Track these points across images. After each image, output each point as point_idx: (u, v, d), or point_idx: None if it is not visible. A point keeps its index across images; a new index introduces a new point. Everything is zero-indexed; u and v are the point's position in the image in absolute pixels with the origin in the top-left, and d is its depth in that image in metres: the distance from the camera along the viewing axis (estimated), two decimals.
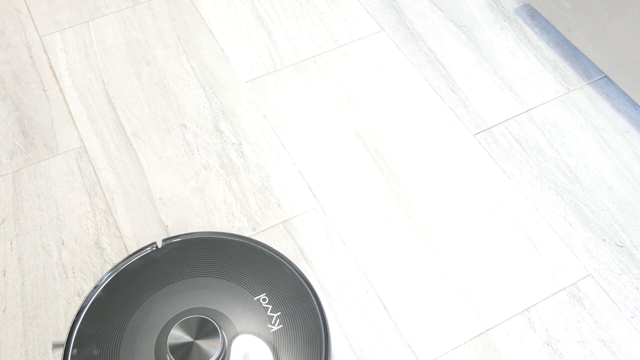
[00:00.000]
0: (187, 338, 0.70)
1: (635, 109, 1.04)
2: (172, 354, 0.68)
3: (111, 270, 0.79)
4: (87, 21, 1.16)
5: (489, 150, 0.99)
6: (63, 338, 0.79)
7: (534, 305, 0.84)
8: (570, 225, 0.91)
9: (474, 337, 0.82)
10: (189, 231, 0.90)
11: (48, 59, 1.11)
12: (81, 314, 0.75)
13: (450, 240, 0.90)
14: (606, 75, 1.07)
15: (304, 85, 1.07)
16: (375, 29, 1.15)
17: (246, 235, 0.90)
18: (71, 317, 0.84)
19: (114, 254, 0.89)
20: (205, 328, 0.70)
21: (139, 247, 0.89)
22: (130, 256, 0.80)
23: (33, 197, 0.94)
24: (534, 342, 0.81)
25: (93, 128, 1.02)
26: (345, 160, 0.98)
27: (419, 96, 1.06)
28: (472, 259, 0.88)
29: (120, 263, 0.79)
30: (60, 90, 1.07)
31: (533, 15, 1.17)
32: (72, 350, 0.73)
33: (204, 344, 0.69)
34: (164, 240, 0.82)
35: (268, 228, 0.91)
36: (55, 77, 1.08)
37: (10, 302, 0.85)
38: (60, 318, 0.84)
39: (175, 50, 1.12)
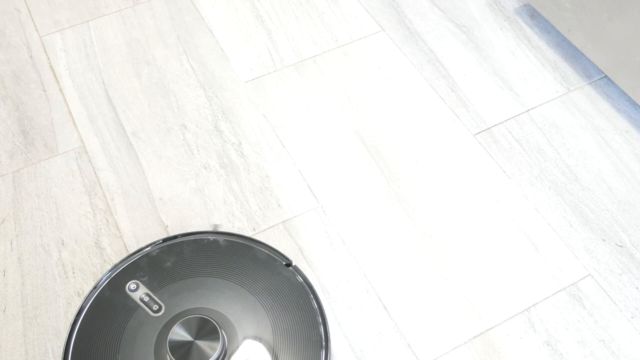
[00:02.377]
0: (187, 337, 0.70)
1: (635, 109, 1.04)
2: (171, 353, 0.68)
3: (111, 270, 0.80)
4: (87, 21, 1.16)
5: (489, 150, 0.99)
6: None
7: (534, 305, 0.84)
8: (570, 225, 0.91)
9: (474, 337, 0.82)
10: (189, 230, 0.90)
11: (48, 59, 1.11)
12: (81, 313, 0.76)
13: (450, 240, 0.90)
14: (606, 75, 1.07)
15: (304, 85, 1.07)
16: (375, 29, 1.15)
17: (247, 234, 0.90)
18: (71, 317, 0.84)
19: (114, 254, 0.89)
20: (205, 328, 0.70)
21: (138, 247, 0.90)
22: (129, 256, 0.81)
23: (33, 197, 0.94)
24: (534, 342, 0.81)
25: (93, 128, 1.02)
26: (345, 160, 0.98)
27: (419, 96, 1.06)
28: (472, 259, 0.88)
29: (119, 263, 0.80)
30: (60, 90, 1.07)
31: (533, 15, 1.17)
32: (72, 350, 0.73)
33: (203, 344, 0.69)
34: (164, 239, 0.82)
35: (268, 228, 0.91)
36: (55, 77, 1.08)
37: (10, 302, 0.85)
38: (60, 318, 0.84)
39: (175, 50, 1.12)
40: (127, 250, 0.89)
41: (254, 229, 0.91)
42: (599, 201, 0.93)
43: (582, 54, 1.10)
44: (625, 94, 1.05)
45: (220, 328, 0.70)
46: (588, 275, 0.87)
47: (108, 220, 0.92)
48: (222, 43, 1.13)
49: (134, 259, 0.79)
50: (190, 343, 0.69)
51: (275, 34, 1.14)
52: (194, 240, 0.80)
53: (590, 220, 0.92)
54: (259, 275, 0.77)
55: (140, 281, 0.77)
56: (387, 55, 1.11)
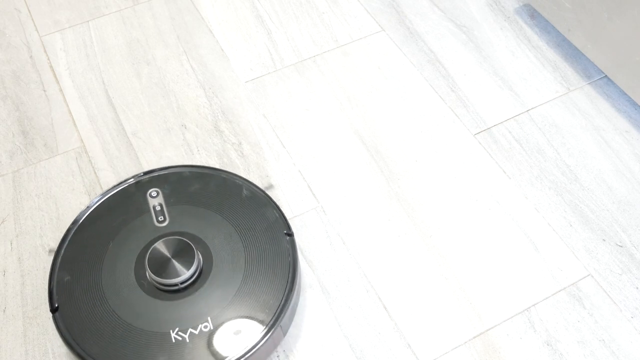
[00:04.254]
0: (166, 255, 0.78)
1: (635, 109, 1.04)
2: (149, 266, 0.77)
3: (101, 195, 0.87)
4: (87, 21, 1.16)
5: (489, 150, 0.99)
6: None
7: (534, 305, 0.84)
8: (570, 225, 0.91)
9: (474, 337, 0.82)
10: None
11: (48, 59, 1.11)
12: (75, 224, 0.84)
13: (450, 240, 0.90)
14: (606, 75, 1.07)
15: (304, 85, 1.07)
16: (375, 29, 1.15)
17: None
18: None
19: None
20: (182, 248, 0.78)
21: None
22: (120, 183, 0.88)
23: (33, 197, 0.94)
24: (534, 342, 0.82)
25: (93, 128, 1.02)
26: (345, 160, 0.98)
27: (419, 96, 1.06)
28: (472, 259, 0.88)
29: (110, 189, 0.87)
30: (60, 90, 1.07)
31: (533, 15, 1.17)
32: (77, 227, 0.83)
33: (179, 261, 0.77)
34: (145, 172, 0.89)
35: None
36: (55, 77, 1.08)
37: (10, 302, 0.85)
38: None
39: (175, 50, 1.12)
40: None
41: None
42: (599, 201, 0.93)
43: (582, 54, 1.10)
44: (625, 94, 1.05)
45: (196, 250, 0.78)
46: (588, 275, 0.87)
47: None
48: (222, 43, 1.13)
49: (124, 185, 0.88)
50: (167, 260, 0.77)
51: (275, 34, 1.14)
52: (222, 178, 0.89)
53: (590, 220, 0.92)
54: (237, 206, 0.85)
55: (162, 192, 0.85)
56: (387, 55, 1.11)
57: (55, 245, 0.86)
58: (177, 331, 0.75)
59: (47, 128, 1.02)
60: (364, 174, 0.97)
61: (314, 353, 0.81)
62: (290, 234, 0.83)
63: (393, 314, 0.84)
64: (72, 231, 0.83)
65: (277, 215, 0.85)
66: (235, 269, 0.79)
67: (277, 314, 0.76)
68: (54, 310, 0.77)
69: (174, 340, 0.74)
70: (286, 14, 1.17)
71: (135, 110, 1.04)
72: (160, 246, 0.78)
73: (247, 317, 0.76)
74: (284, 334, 0.80)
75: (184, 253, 0.78)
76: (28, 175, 0.97)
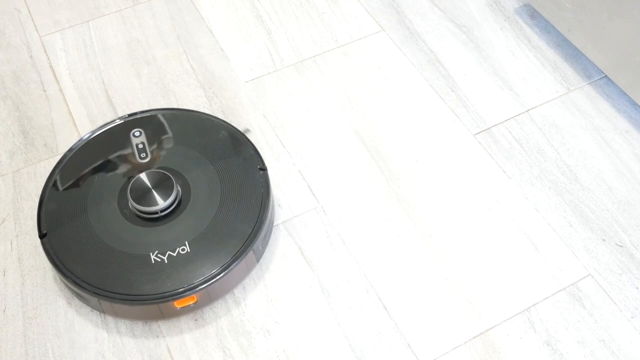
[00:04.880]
0: (147, 185, 0.84)
1: (635, 109, 1.04)
2: (131, 196, 0.83)
3: (90, 132, 0.93)
4: (87, 21, 1.16)
5: (489, 150, 0.99)
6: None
7: (534, 305, 0.84)
8: (570, 225, 0.91)
9: (474, 337, 0.82)
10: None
11: (48, 59, 1.11)
12: (63, 160, 0.90)
13: (450, 240, 0.90)
14: (606, 75, 1.07)
15: (304, 85, 1.07)
16: (375, 29, 1.15)
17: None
18: (71, 318, 0.84)
19: None
20: (162, 180, 0.85)
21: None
22: (106, 124, 0.94)
23: (33, 197, 0.94)
24: (534, 342, 0.82)
25: (93, 128, 1.02)
26: (345, 160, 0.98)
27: (419, 96, 1.06)
28: (472, 259, 0.88)
29: (97, 129, 0.93)
30: (60, 90, 1.07)
31: (533, 15, 1.17)
32: (67, 161, 0.90)
33: (159, 192, 0.84)
34: (129, 114, 0.95)
35: None
36: (55, 77, 1.08)
37: (10, 302, 0.85)
38: (60, 318, 0.84)
39: (175, 50, 1.12)
40: None
41: None
42: (599, 201, 0.93)
43: (582, 54, 1.10)
44: (625, 94, 1.05)
45: (175, 182, 0.85)
46: (588, 275, 0.87)
47: None
48: (222, 43, 1.13)
49: (111, 125, 0.94)
50: (149, 190, 0.84)
51: (275, 34, 1.14)
52: (200, 119, 0.95)
53: (590, 220, 0.92)
54: (217, 144, 0.92)
55: (145, 132, 0.92)
56: (387, 55, 1.11)
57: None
58: (157, 253, 0.81)
59: (47, 128, 1.02)
60: (364, 173, 0.97)
61: (314, 353, 0.81)
62: (263, 169, 0.89)
63: (393, 314, 0.84)
64: (61, 165, 0.89)
65: (251, 152, 0.91)
66: (212, 200, 0.86)
67: (249, 238, 0.82)
68: (42, 236, 0.83)
69: (153, 262, 0.81)
70: (286, 14, 1.17)
71: (135, 110, 1.04)
72: (142, 178, 0.85)
73: (221, 241, 0.82)
74: (257, 260, 0.86)
75: (163, 184, 0.84)
76: (28, 175, 0.97)
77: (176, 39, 1.13)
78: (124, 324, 0.83)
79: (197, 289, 0.79)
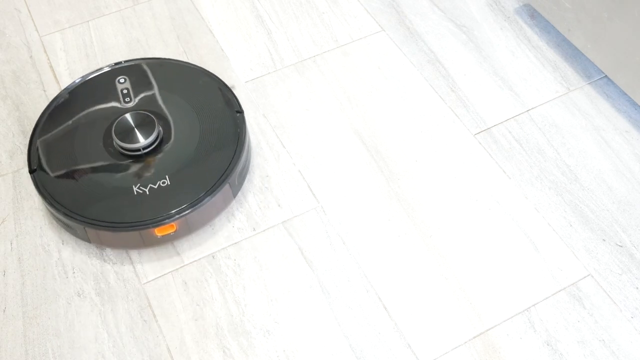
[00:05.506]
0: (131, 125, 0.91)
1: (635, 109, 1.04)
2: (115, 134, 0.90)
3: (80, 77, 1.00)
4: (87, 21, 1.16)
5: (489, 150, 0.99)
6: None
7: (534, 305, 0.84)
8: (570, 225, 0.91)
9: (474, 337, 0.82)
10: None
11: (48, 59, 1.11)
12: (54, 102, 0.97)
13: (450, 240, 0.90)
14: (606, 75, 1.07)
15: (304, 85, 1.07)
16: (375, 29, 1.15)
17: (247, 235, 0.90)
18: (71, 318, 0.84)
19: (114, 254, 0.89)
20: (145, 121, 0.91)
21: (139, 249, 0.90)
22: (93, 72, 1.00)
23: (33, 197, 0.94)
24: (534, 342, 0.82)
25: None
26: (345, 160, 0.98)
27: (419, 96, 1.06)
28: (472, 259, 0.88)
29: (85, 75, 1.00)
30: (60, 90, 1.07)
31: (533, 15, 1.17)
32: (41, 124, 0.94)
33: (142, 131, 0.90)
34: (115, 63, 1.02)
35: (268, 228, 0.91)
36: (55, 77, 1.08)
37: (10, 302, 0.85)
38: (60, 318, 0.84)
39: (175, 50, 1.12)
40: (127, 251, 0.89)
41: (254, 229, 0.91)
42: (599, 201, 0.93)
43: (582, 54, 1.10)
44: (625, 94, 1.05)
45: (157, 122, 0.91)
46: (588, 275, 0.87)
47: None
48: (222, 43, 1.13)
49: (101, 71, 1.01)
50: (132, 129, 0.90)
51: (275, 34, 1.14)
52: (182, 67, 1.02)
53: (590, 220, 0.92)
54: (197, 91, 0.98)
55: (129, 79, 0.99)
56: (387, 55, 1.11)
57: None
58: (139, 186, 0.88)
59: None
60: (364, 173, 0.97)
61: (314, 353, 0.81)
62: (240, 112, 0.96)
63: (393, 314, 0.84)
64: (51, 107, 0.96)
65: (229, 97, 0.97)
66: (191, 138, 0.93)
67: (225, 173, 0.89)
68: (32, 171, 0.89)
69: (135, 193, 0.87)
70: (286, 14, 1.17)
71: None
72: (126, 118, 0.91)
73: (200, 175, 0.89)
74: (234, 195, 0.92)
75: (146, 124, 0.91)
76: (28, 175, 0.97)
77: (176, 39, 1.13)
78: (124, 324, 0.83)
79: (176, 217, 0.85)
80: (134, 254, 0.89)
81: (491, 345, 0.81)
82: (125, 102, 0.96)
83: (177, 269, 0.88)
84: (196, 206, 0.86)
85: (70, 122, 0.94)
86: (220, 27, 1.16)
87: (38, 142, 0.92)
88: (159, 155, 0.91)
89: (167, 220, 0.85)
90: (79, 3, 1.19)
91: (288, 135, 1.01)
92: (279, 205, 0.93)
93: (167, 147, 0.92)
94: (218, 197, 0.88)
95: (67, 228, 0.88)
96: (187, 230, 0.88)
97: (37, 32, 1.15)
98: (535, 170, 0.97)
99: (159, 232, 0.86)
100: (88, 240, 0.88)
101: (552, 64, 1.10)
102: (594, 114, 1.03)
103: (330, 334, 0.82)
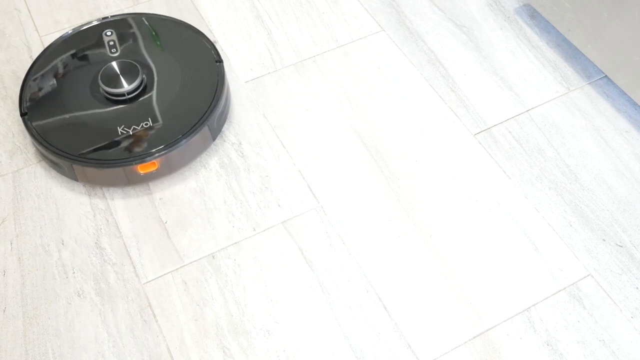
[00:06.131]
0: (115, 72, 0.98)
1: (635, 109, 1.04)
2: (101, 80, 0.97)
3: (102, 18, 1.08)
4: (87, 21, 1.16)
5: (489, 150, 0.99)
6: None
7: (534, 305, 0.84)
8: (570, 225, 0.91)
9: (474, 337, 0.82)
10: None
11: None
12: (45, 52, 1.04)
13: (450, 240, 0.90)
14: (606, 75, 1.07)
15: (304, 85, 1.07)
16: (375, 29, 1.15)
17: (247, 235, 0.90)
18: (71, 318, 0.84)
19: (114, 254, 0.89)
20: (129, 68, 0.98)
21: (139, 249, 0.90)
22: (82, 25, 1.07)
23: (33, 197, 0.94)
24: (534, 342, 0.82)
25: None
26: (345, 160, 0.98)
27: (419, 96, 1.06)
28: (472, 259, 0.88)
29: (75, 28, 1.07)
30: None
31: (533, 15, 1.17)
32: (32, 71, 1.01)
33: (126, 78, 0.97)
34: (102, 18, 1.08)
35: (268, 228, 0.91)
36: None
37: (10, 302, 0.85)
38: (60, 318, 0.84)
39: None
40: (127, 251, 0.89)
41: (254, 229, 0.91)
42: (599, 201, 0.93)
43: (582, 54, 1.10)
44: (625, 94, 1.05)
45: (141, 69, 0.98)
46: (588, 275, 0.87)
47: (108, 220, 0.92)
48: (222, 43, 1.13)
49: (120, 17, 1.08)
50: (117, 76, 0.97)
51: (275, 34, 1.14)
52: (166, 21, 1.09)
53: (590, 220, 0.92)
54: (180, 44, 1.05)
55: (115, 31, 1.06)
56: (387, 55, 1.11)
57: None
58: (123, 127, 0.94)
59: None
60: (364, 174, 0.97)
61: (314, 353, 0.81)
62: (219, 61, 1.02)
63: (393, 314, 0.84)
64: (43, 56, 1.03)
65: (210, 48, 1.04)
66: (173, 85, 0.99)
67: (204, 116, 0.96)
68: (23, 114, 0.96)
69: (120, 134, 0.94)
70: (286, 14, 1.17)
71: None
72: (111, 66, 0.98)
73: (180, 118, 0.96)
74: (213, 138, 0.98)
75: (130, 71, 0.98)
76: (28, 175, 0.97)
77: None
78: (124, 324, 0.83)
79: (156, 155, 0.92)
80: (134, 254, 0.89)
81: (491, 345, 0.81)
82: (112, 53, 1.02)
83: (177, 269, 0.88)
84: (176, 145, 0.93)
85: (60, 70, 1.01)
86: (220, 27, 1.16)
87: (29, 87, 0.99)
88: (142, 100, 0.97)
89: (148, 158, 0.91)
90: (79, 3, 1.19)
91: (288, 135, 1.01)
92: (279, 205, 0.93)
93: (150, 92, 0.98)
94: (197, 138, 0.95)
95: (57, 167, 0.95)
96: (168, 169, 0.94)
97: (37, 32, 1.15)
98: (535, 170, 0.97)
99: (141, 169, 0.92)
100: (76, 179, 0.94)
101: (552, 64, 1.10)
102: (594, 114, 1.03)
103: (330, 334, 0.82)
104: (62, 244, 0.90)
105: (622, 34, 0.95)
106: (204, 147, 0.97)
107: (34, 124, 0.95)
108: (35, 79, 1.00)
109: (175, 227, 0.92)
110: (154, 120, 0.95)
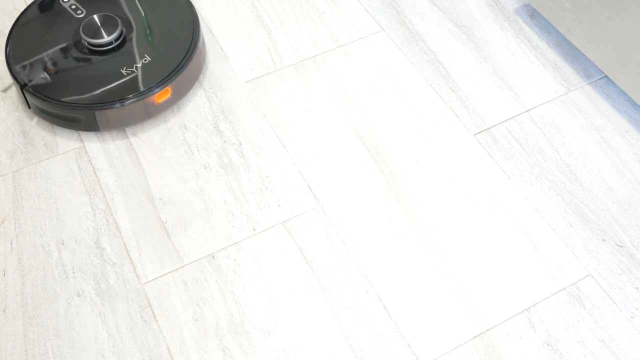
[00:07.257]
0: (97, 24, 1.03)
1: (635, 109, 1.04)
2: (83, 30, 1.02)
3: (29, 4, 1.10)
4: None
5: (489, 150, 0.99)
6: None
7: (534, 305, 0.84)
8: (570, 225, 0.91)
9: (474, 337, 0.82)
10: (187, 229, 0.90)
11: None
12: (30, 8, 1.08)
13: (450, 240, 0.90)
14: (606, 75, 1.07)
15: (304, 85, 1.07)
16: (375, 29, 1.15)
17: (247, 235, 0.90)
18: (71, 318, 0.84)
19: (114, 254, 0.89)
20: (110, 21, 1.03)
21: (139, 249, 0.90)
22: None
23: (33, 197, 0.94)
24: (534, 342, 0.82)
25: None
26: (345, 160, 0.98)
27: (419, 96, 1.06)
28: (472, 259, 0.88)
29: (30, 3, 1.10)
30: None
31: (533, 15, 1.17)
32: (16, 28, 1.06)
33: (106, 29, 1.03)
34: None
35: (268, 228, 0.91)
36: None
37: (10, 302, 0.85)
38: (60, 318, 0.84)
39: None
40: (127, 251, 0.89)
41: (254, 229, 0.91)
42: (599, 201, 0.93)
43: (582, 54, 1.10)
44: (625, 94, 1.05)
45: (120, 21, 1.03)
46: (588, 275, 0.87)
47: (108, 220, 0.92)
48: (222, 43, 1.13)
49: None
50: (97, 27, 1.03)
51: (275, 34, 1.14)
52: None
53: (590, 220, 0.92)
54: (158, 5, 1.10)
55: None
56: (387, 55, 1.11)
57: None
58: (125, 68, 1.01)
59: (47, 128, 1.02)
60: (364, 173, 0.97)
61: (314, 353, 0.81)
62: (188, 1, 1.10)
63: (393, 314, 0.84)
64: (13, 31, 1.06)
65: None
66: (155, 27, 1.06)
67: (193, 40, 1.05)
68: (23, 86, 0.99)
69: (125, 74, 1.00)
70: (286, 14, 1.17)
71: None
72: (89, 22, 1.03)
73: (173, 47, 1.03)
74: (203, 61, 1.07)
75: (108, 23, 1.03)
76: (28, 175, 0.97)
77: None
78: (124, 324, 0.83)
79: (168, 82, 0.99)
80: (134, 254, 0.89)
81: (491, 345, 0.81)
82: (78, 15, 1.07)
83: (177, 269, 0.88)
84: (182, 69, 1.01)
85: (40, 41, 1.04)
86: (220, 27, 1.16)
87: (15, 60, 1.02)
88: (131, 43, 1.04)
89: (161, 87, 0.98)
90: None
91: (288, 135, 1.01)
92: (279, 205, 0.93)
93: (135, 36, 1.05)
94: (195, 60, 1.03)
95: (73, 124, 0.99)
96: (178, 94, 1.02)
97: None
98: (535, 170, 0.97)
99: (158, 98, 0.99)
100: (97, 128, 0.99)
101: (552, 64, 1.10)
102: (594, 114, 1.03)
103: (330, 334, 0.82)
104: (62, 244, 0.90)
105: (622, 34, 0.95)
106: (200, 68, 1.06)
107: (39, 92, 0.98)
108: (19, 56, 1.02)
109: (175, 227, 0.92)
110: (151, 54, 1.02)
